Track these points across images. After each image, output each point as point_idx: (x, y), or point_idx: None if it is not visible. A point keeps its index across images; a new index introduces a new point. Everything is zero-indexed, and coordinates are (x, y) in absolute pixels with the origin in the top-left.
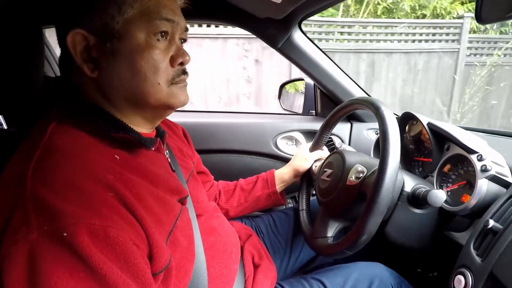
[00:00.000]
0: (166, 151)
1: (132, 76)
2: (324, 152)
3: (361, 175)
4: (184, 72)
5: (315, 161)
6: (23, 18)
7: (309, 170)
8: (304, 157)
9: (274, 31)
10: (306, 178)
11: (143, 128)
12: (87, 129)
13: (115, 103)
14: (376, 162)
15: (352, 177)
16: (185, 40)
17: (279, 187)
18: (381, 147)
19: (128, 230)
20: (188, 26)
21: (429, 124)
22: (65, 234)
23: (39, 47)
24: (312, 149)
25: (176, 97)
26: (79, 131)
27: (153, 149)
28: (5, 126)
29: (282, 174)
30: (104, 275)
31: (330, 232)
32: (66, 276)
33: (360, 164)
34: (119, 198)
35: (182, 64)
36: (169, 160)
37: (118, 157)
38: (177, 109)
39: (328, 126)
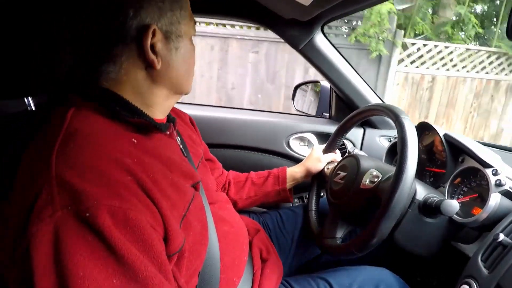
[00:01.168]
0: (177, 137)
1: (186, 69)
2: (337, 155)
3: (376, 179)
4: None
5: (328, 163)
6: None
7: (321, 172)
8: (318, 158)
9: (297, 32)
10: (317, 179)
11: (160, 114)
12: (105, 114)
13: (158, 89)
14: (390, 168)
15: (366, 181)
16: None
17: (289, 185)
18: (398, 154)
19: (146, 213)
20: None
21: (445, 135)
22: (87, 214)
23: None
24: (326, 151)
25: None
26: (98, 115)
27: (167, 133)
28: (33, 108)
29: (294, 173)
30: (123, 256)
31: (339, 233)
32: (87, 254)
33: (375, 169)
34: (137, 182)
35: None
36: (181, 146)
37: (135, 141)
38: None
39: (343, 130)
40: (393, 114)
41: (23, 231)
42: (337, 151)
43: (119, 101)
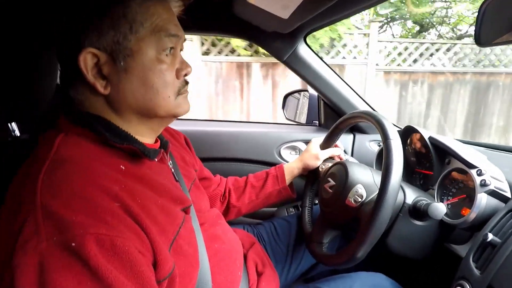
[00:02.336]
0: (169, 161)
1: (145, 91)
2: (336, 150)
3: (359, 199)
4: (187, 82)
5: (325, 160)
6: (37, 27)
7: (317, 169)
8: (316, 156)
9: (281, 44)
10: (312, 176)
11: (147, 138)
12: (93, 140)
13: (124, 115)
14: (377, 182)
15: (351, 198)
16: (182, 49)
17: (288, 181)
18: (381, 181)
19: (134, 239)
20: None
21: (430, 138)
22: (73, 244)
23: (52, 56)
24: (323, 146)
25: (182, 107)
26: (86, 142)
27: (156, 160)
28: (18, 133)
29: (292, 169)
30: (110, 283)
31: (326, 239)
32: (74, 284)
33: (361, 185)
34: (124, 208)
35: (185, 75)
36: (173, 170)
37: (123, 168)
38: (181, 118)
39: (333, 135)
40: (382, 133)
41: (8, 262)
42: (339, 143)
43: (108, 126)
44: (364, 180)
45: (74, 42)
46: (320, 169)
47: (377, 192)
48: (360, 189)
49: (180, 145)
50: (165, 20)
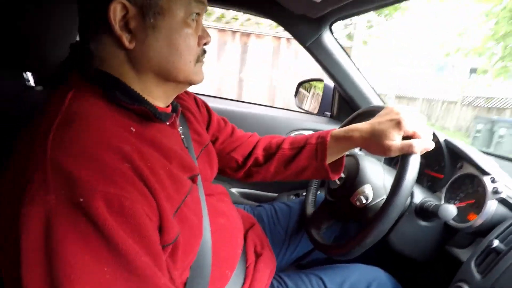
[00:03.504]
0: (180, 127)
1: (169, 52)
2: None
3: (364, 201)
4: (205, 52)
5: None
6: None
7: None
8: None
9: (306, 28)
10: None
11: (160, 102)
12: (104, 99)
13: (142, 74)
14: (387, 184)
15: (357, 197)
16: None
17: (335, 156)
18: (389, 192)
19: (142, 201)
20: None
21: (445, 141)
22: (81, 200)
23: (70, 8)
24: None
25: (198, 75)
26: (97, 99)
27: (168, 123)
28: (32, 83)
29: (348, 138)
30: (116, 243)
31: (324, 225)
32: (79, 241)
33: (370, 185)
34: (134, 170)
35: (205, 44)
36: (182, 136)
37: (133, 130)
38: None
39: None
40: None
41: (15, 213)
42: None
43: (120, 86)
44: (374, 180)
45: None
46: None
47: (383, 197)
48: (367, 189)
49: (191, 107)
50: None
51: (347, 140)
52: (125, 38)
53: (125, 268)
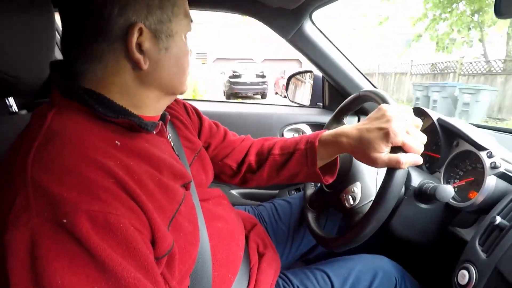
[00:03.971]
0: (169, 134)
1: (177, 70)
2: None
3: (351, 202)
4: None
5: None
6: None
7: None
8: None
9: (285, 21)
10: None
11: (153, 112)
12: (87, 115)
13: (148, 91)
14: (372, 191)
15: (345, 196)
16: None
17: (325, 160)
18: (376, 196)
19: (129, 215)
20: None
21: (439, 119)
22: (65, 221)
23: (50, 30)
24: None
25: (187, 86)
26: (79, 117)
27: (154, 132)
28: (15, 109)
29: (337, 143)
30: (103, 261)
31: (321, 214)
32: (66, 262)
33: (360, 184)
34: (119, 184)
35: None
36: (172, 143)
37: (118, 143)
38: (183, 99)
39: (337, 119)
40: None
41: (0, 237)
42: None
43: (102, 100)
44: (366, 178)
45: (121, 15)
46: None
47: (371, 199)
48: (356, 189)
49: (180, 115)
50: (187, 6)
51: (336, 145)
52: (142, 61)
53: (115, 285)
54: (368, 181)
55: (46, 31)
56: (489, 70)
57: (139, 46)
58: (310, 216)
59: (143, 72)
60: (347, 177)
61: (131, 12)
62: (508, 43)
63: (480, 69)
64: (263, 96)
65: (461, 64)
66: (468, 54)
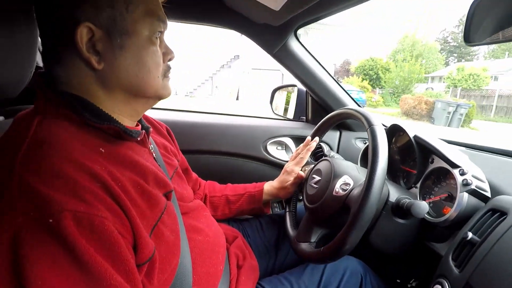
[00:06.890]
0: (151, 145)
1: (139, 69)
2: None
3: (347, 187)
4: (170, 68)
5: (304, 165)
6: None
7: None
8: (288, 171)
9: (270, 37)
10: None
11: (129, 120)
12: (73, 121)
13: (112, 93)
14: (363, 175)
15: (338, 188)
16: None
17: (266, 200)
18: (368, 165)
19: (114, 219)
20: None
21: (415, 137)
22: (50, 221)
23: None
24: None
25: (166, 89)
26: (65, 123)
27: (138, 139)
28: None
29: (272, 189)
30: (86, 263)
31: (314, 238)
32: (48, 263)
33: (347, 175)
34: (105, 189)
35: (169, 59)
36: (154, 154)
37: (103, 150)
38: (166, 108)
39: (318, 133)
40: (366, 121)
41: None
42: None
43: (88, 106)
44: (350, 171)
45: (71, 16)
46: (303, 171)
47: (363, 180)
48: (347, 178)
49: (162, 136)
50: (157, 6)
51: (270, 192)
52: (94, 60)
53: (96, 287)
54: (352, 172)
55: (28, 39)
56: None
57: (93, 46)
58: (306, 247)
59: (101, 73)
60: (332, 177)
61: (79, 12)
62: None
63: None
64: None
65: None
66: None
